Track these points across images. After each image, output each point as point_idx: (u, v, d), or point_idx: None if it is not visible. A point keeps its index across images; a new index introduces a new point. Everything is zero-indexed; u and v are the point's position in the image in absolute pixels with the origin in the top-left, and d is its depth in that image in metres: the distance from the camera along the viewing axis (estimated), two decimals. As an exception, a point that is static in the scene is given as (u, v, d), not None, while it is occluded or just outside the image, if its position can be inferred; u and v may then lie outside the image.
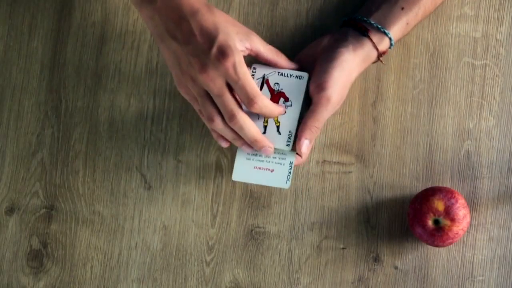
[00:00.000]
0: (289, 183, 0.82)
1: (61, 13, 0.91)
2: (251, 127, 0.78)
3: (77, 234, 0.89)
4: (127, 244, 0.89)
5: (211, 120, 0.79)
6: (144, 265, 0.89)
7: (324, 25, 0.90)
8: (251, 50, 0.79)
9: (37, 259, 0.89)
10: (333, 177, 0.88)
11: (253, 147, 0.80)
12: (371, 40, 0.82)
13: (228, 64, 0.75)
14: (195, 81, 0.77)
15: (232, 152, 0.89)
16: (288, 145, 0.81)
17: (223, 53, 0.74)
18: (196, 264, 0.88)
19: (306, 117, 0.81)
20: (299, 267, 0.88)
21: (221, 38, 0.75)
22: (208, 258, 0.88)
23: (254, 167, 0.83)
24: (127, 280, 0.89)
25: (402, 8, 0.83)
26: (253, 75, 0.83)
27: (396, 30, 0.83)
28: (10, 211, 0.90)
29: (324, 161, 0.88)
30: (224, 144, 0.83)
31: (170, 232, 0.89)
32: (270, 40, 0.89)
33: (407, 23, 0.83)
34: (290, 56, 0.88)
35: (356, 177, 0.88)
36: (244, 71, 0.76)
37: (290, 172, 0.82)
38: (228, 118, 0.77)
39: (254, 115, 0.81)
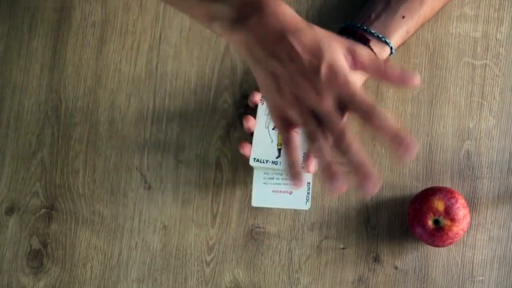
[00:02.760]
0: (308, 203, 0.82)
1: (61, 13, 0.91)
2: (361, 148, 0.69)
3: (77, 234, 0.89)
4: (127, 244, 0.89)
5: (315, 139, 0.69)
6: (144, 265, 0.89)
7: (324, 26, 0.89)
8: (355, 63, 0.71)
9: (37, 259, 0.90)
10: (333, 177, 0.88)
11: (357, 175, 0.69)
12: (372, 50, 0.82)
13: (341, 82, 0.68)
14: (300, 101, 0.69)
15: (232, 151, 0.89)
16: (304, 167, 0.81)
17: (333, 71, 0.68)
18: (196, 264, 0.88)
19: None
20: (299, 267, 0.88)
21: (328, 56, 0.68)
22: (208, 258, 0.88)
23: (272, 191, 0.83)
24: (127, 280, 0.89)
25: (403, 17, 0.82)
26: (262, 104, 0.83)
27: (396, 38, 0.82)
28: (10, 211, 0.90)
29: (324, 161, 0.88)
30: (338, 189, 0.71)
31: (170, 232, 0.89)
32: (270, 40, 0.89)
33: (407, 31, 0.83)
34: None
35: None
36: (358, 86, 0.69)
37: (308, 193, 0.82)
38: (336, 137, 0.69)
39: (267, 139, 0.81)
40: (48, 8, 0.92)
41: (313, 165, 0.80)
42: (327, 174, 0.69)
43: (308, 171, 0.80)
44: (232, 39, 0.72)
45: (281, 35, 0.69)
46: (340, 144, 0.68)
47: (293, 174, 0.70)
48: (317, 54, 0.68)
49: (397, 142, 0.67)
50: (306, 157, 0.80)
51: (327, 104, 0.68)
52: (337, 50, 0.69)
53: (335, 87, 0.68)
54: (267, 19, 0.69)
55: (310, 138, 0.70)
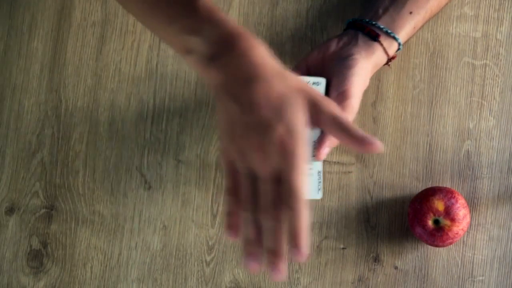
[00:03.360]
0: (320, 193, 0.81)
1: (61, 13, 0.91)
2: (280, 234, 0.64)
3: (77, 234, 0.89)
4: (127, 244, 0.89)
5: (244, 203, 0.66)
6: (144, 265, 0.89)
7: (324, 25, 0.90)
8: (317, 120, 0.67)
9: (37, 259, 0.90)
10: (333, 177, 0.88)
11: (268, 256, 0.65)
12: (382, 45, 0.81)
13: (289, 148, 0.64)
14: (244, 157, 0.66)
15: (232, 152, 0.89)
16: (314, 155, 0.80)
17: (289, 134, 0.64)
18: (196, 264, 0.88)
19: None
20: (299, 267, 0.88)
21: (288, 116, 0.64)
22: (208, 258, 0.88)
23: None
24: (127, 280, 0.89)
25: (410, 12, 0.82)
26: None
27: (404, 34, 0.82)
28: (10, 211, 0.90)
29: (324, 161, 0.88)
30: (233, 236, 0.68)
31: (170, 232, 0.89)
32: (270, 40, 0.89)
33: (414, 27, 0.83)
34: (292, 59, 0.88)
35: (356, 177, 0.88)
36: (303, 163, 0.64)
37: (320, 182, 0.81)
38: (263, 208, 0.65)
39: None
40: (48, 8, 0.92)
41: (325, 152, 0.78)
42: (245, 249, 0.66)
43: (319, 159, 0.79)
44: (204, 75, 0.69)
45: (247, 81, 0.65)
46: (264, 219, 0.65)
47: (228, 225, 0.68)
48: (278, 111, 0.64)
49: (294, 245, 0.64)
50: (318, 143, 0.79)
51: (267, 169, 0.65)
52: (299, 107, 0.65)
53: (282, 153, 0.64)
54: (238, 60, 0.66)
55: (242, 199, 0.66)
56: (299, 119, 0.65)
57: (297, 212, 0.63)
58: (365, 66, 0.80)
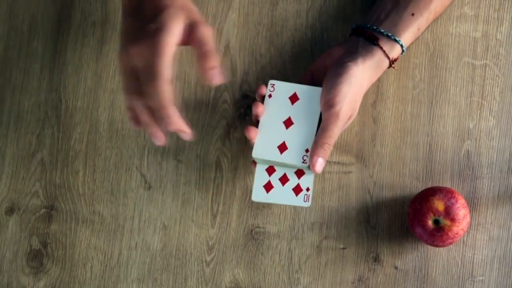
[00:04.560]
0: (309, 201, 0.81)
1: (61, 13, 0.91)
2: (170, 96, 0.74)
3: (77, 234, 0.89)
4: (127, 244, 0.89)
5: (136, 93, 0.75)
6: (144, 265, 0.89)
7: (324, 26, 0.90)
8: (192, 38, 0.75)
9: (37, 259, 0.90)
10: (333, 177, 0.88)
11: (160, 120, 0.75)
12: (382, 48, 0.81)
13: (154, 43, 0.72)
14: (131, 55, 0.74)
15: (232, 151, 0.89)
16: (305, 162, 0.81)
17: (157, 31, 0.72)
18: (196, 264, 0.88)
19: (317, 135, 0.80)
20: (299, 267, 0.88)
21: (161, 20, 0.73)
22: (208, 258, 0.88)
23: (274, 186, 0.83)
24: (127, 280, 0.89)
25: (413, 14, 0.82)
26: (270, 92, 0.82)
27: (407, 36, 0.82)
28: (10, 211, 0.90)
29: (324, 161, 0.88)
30: (136, 126, 0.78)
31: (170, 232, 0.89)
32: (270, 40, 0.89)
33: (418, 28, 0.83)
34: (292, 59, 0.88)
35: (356, 177, 0.88)
36: (164, 52, 0.72)
37: (307, 195, 0.81)
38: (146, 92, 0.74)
39: (273, 130, 0.81)
40: (48, 8, 0.92)
41: (319, 164, 0.80)
42: (148, 131, 0.77)
43: (315, 172, 0.80)
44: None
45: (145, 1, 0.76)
46: (147, 101, 0.74)
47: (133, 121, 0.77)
48: (156, 16, 0.74)
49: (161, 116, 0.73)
50: (310, 155, 0.80)
51: (141, 60, 0.73)
52: (177, 18, 0.74)
53: (149, 44, 0.73)
54: None
55: (132, 91, 0.75)
56: (171, 24, 0.73)
57: (157, 88, 0.72)
58: (358, 73, 0.81)
